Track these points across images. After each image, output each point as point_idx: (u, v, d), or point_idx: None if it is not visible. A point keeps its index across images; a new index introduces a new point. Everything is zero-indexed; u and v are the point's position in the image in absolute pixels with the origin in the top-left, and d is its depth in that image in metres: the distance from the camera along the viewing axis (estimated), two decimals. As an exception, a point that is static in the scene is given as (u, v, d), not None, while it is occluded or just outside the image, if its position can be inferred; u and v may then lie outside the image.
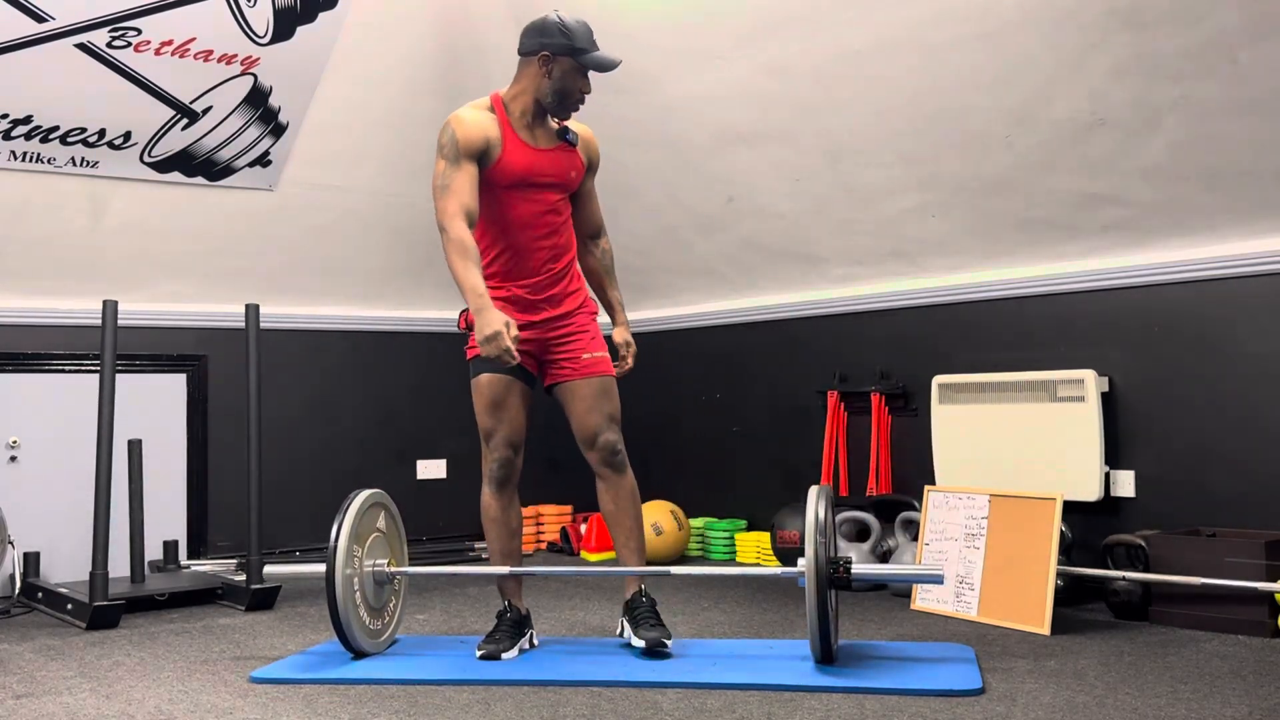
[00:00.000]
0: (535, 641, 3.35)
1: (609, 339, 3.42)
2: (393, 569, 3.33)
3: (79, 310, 4.63)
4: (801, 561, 2.89)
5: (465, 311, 3.13)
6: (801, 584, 2.89)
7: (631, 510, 3.31)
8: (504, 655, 3.18)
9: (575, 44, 3.16)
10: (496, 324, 2.96)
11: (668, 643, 3.17)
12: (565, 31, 3.16)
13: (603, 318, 3.46)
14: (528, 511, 5.45)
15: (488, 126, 3.19)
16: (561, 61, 3.17)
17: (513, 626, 3.28)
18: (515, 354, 2.99)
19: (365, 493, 3.27)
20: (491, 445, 3.26)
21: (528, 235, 3.25)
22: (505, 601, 3.33)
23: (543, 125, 3.28)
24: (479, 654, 3.18)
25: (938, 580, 3.08)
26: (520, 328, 3.15)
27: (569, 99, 3.22)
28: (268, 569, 3.46)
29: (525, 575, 3.35)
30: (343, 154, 4.82)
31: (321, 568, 3.14)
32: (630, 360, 3.42)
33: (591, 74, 3.24)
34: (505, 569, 3.27)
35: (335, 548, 3.10)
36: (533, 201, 3.24)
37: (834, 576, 2.93)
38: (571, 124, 3.34)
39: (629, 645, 3.29)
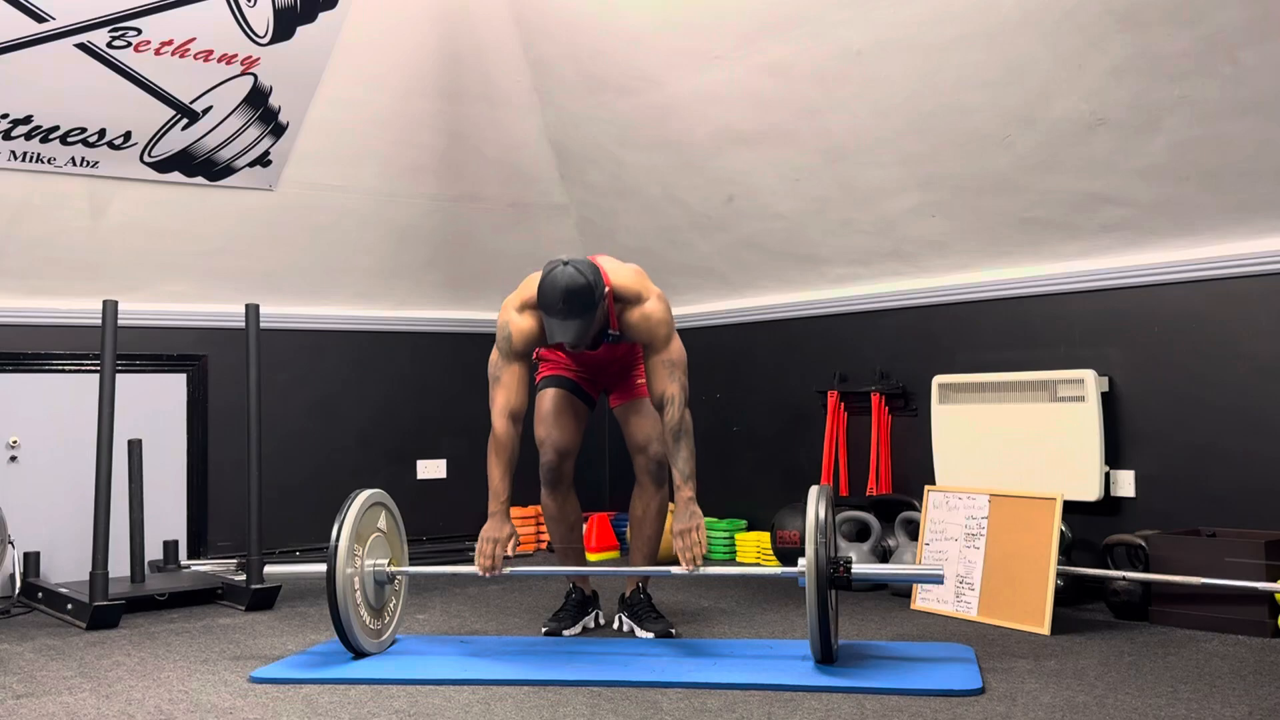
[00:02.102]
0: (601, 620, 3.66)
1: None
2: (393, 569, 3.33)
3: (79, 310, 4.62)
4: (802, 561, 2.89)
5: (540, 363, 3.60)
6: (802, 584, 2.89)
7: (656, 522, 3.59)
8: (565, 632, 3.51)
9: (540, 301, 3.15)
10: (485, 534, 3.21)
11: (674, 631, 3.47)
12: (540, 289, 3.15)
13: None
14: (528, 511, 5.45)
15: (533, 334, 3.30)
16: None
17: (576, 607, 3.59)
18: (497, 569, 3.21)
19: (366, 492, 3.28)
20: (542, 450, 3.51)
21: (581, 367, 3.60)
22: (571, 583, 3.63)
23: None
24: (543, 630, 3.51)
25: (938, 580, 3.08)
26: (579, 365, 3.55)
27: (553, 340, 3.17)
28: (268, 569, 3.46)
29: (526, 575, 3.36)
30: (342, 154, 4.82)
31: (322, 567, 3.14)
32: (687, 562, 3.13)
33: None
34: (505, 568, 3.30)
35: (336, 547, 3.10)
36: (579, 360, 3.57)
37: (834, 576, 2.93)
38: (635, 312, 3.26)
39: (632, 637, 3.49)
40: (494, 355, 3.34)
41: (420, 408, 5.52)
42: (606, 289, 3.22)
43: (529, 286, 3.29)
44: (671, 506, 3.30)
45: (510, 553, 3.21)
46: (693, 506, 3.17)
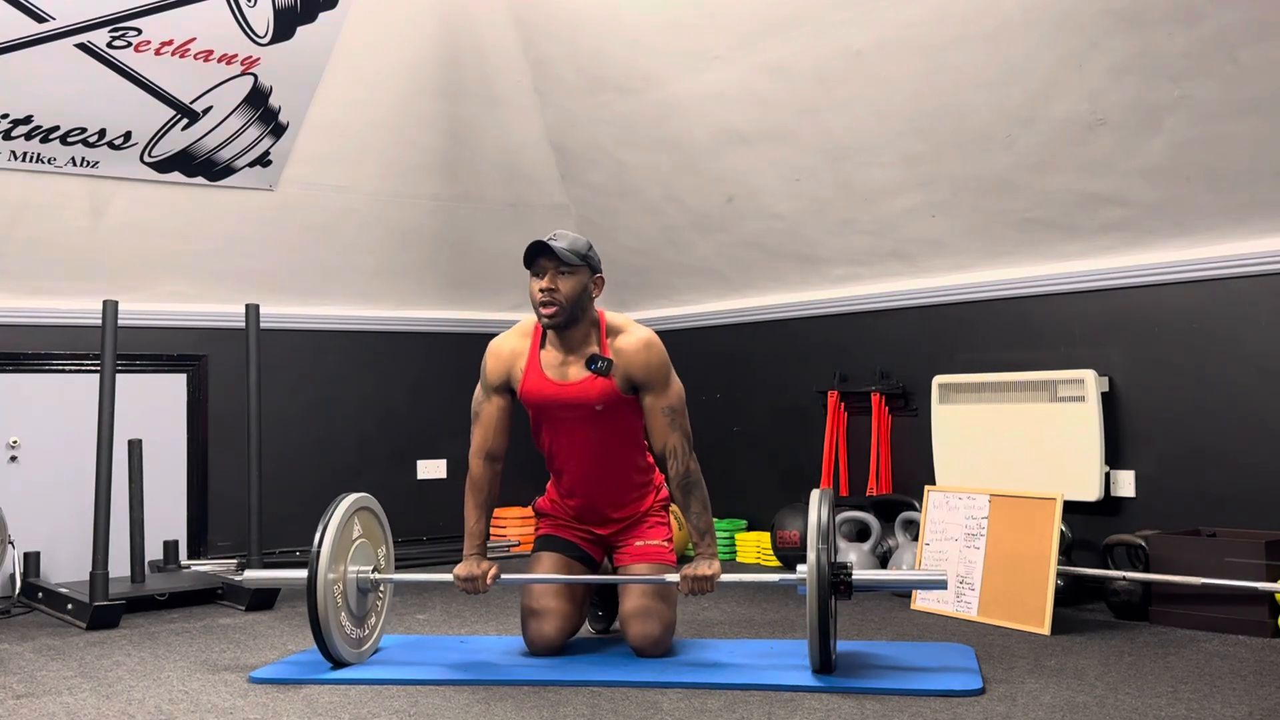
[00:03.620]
0: (600, 613, 3.58)
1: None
2: (377, 576, 3.21)
3: (79, 310, 4.62)
4: (801, 568, 2.85)
5: (539, 499, 3.44)
6: (802, 591, 2.85)
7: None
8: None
9: (525, 254, 3.07)
10: (461, 574, 3.13)
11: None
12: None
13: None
14: (525, 512, 5.44)
15: (512, 359, 3.18)
16: None
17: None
18: (480, 589, 3.14)
19: (351, 497, 3.19)
20: (527, 629, 3.24)
21: (567, 459, 3.25)
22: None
23: (574, 351, 3.13)
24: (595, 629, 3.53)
25: (940, 586, 3.02)
26: (588, 524, 3.33)
27: (534, 304, 3.09)
28: (247, 573, 3.34)
29: (528, 582, 3.31)
30: (343, 154, 4.82)
31: (303, 574, 3.04)
32: (686, 591, 3.07)
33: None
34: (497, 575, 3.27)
35: (318, 554, 3.00)
36: (564, 431, 3.19)
37: (835, 584, 2.87)
38: (629, 338, 3.12)
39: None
40: (477, 391, 3.23)
41: (420, 408, 5.52)
42: (599, 314, 3.15)
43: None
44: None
45: (490, 583, 3.13)
46: (715, 564, 3.08)
